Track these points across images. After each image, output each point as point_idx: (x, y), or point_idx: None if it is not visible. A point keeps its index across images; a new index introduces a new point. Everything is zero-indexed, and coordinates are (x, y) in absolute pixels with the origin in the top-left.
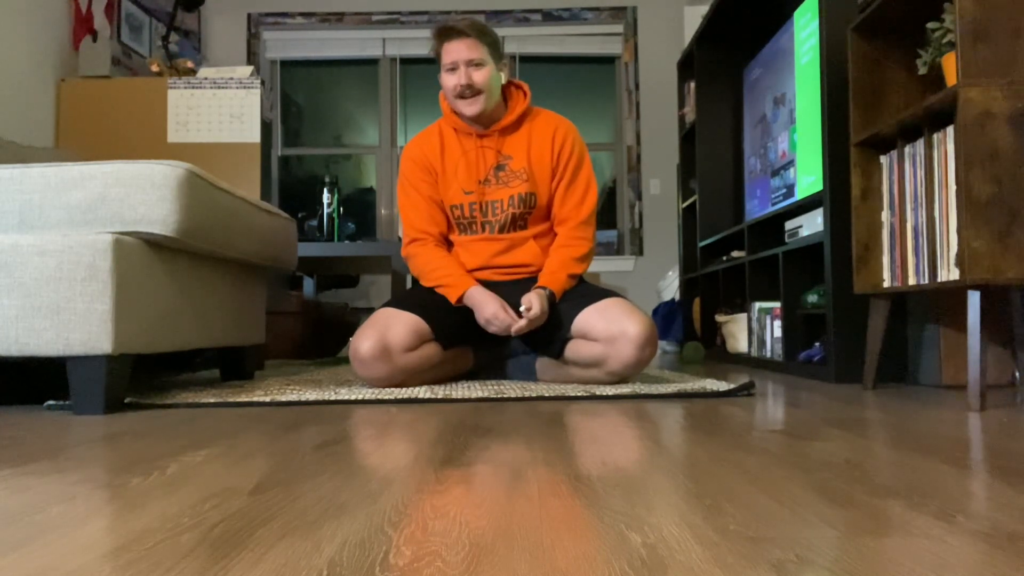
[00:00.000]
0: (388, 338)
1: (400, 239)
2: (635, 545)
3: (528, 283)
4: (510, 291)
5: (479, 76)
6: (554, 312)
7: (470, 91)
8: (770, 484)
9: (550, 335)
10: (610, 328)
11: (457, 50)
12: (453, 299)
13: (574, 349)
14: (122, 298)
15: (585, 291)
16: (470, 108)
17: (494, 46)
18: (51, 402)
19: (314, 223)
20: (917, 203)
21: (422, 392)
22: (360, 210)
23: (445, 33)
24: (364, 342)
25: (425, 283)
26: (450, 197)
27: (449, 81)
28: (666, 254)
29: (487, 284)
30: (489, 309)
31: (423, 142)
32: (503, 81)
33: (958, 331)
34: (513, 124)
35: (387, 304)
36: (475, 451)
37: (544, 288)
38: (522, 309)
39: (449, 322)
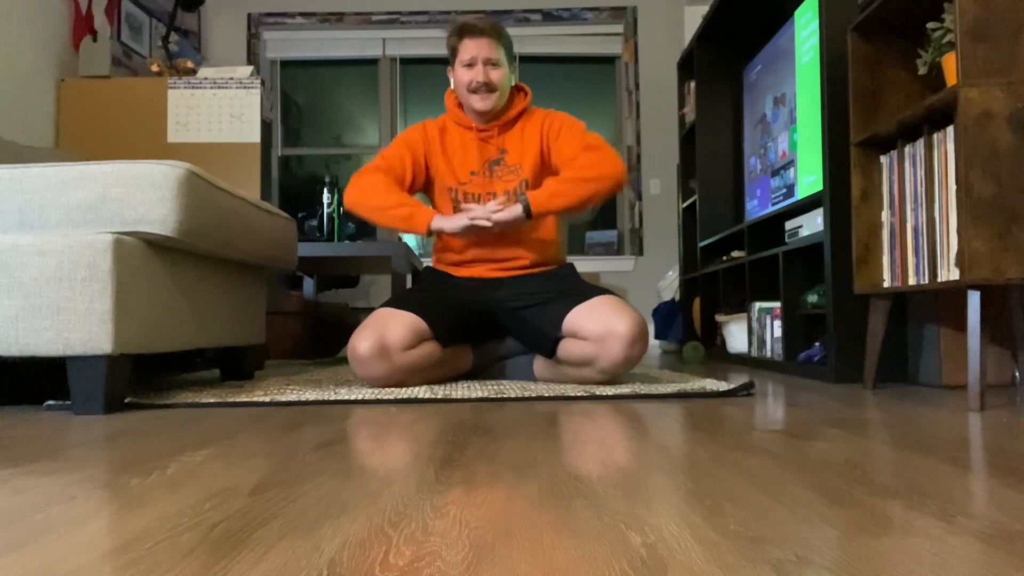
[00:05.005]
0: (387, 337)
1: (400, 238)
2: (635, 545)
3: (522, 279)
4: (505, 287)
5: (496, 75)
6: (544, 312)
7: (486, 88)
8: (770, 484)
9: (542, 334)
10: (599, 327)
11: (477, 48)
12: (424, 228)
13: (566, 349)
14: (122, 298)
15: (576, 289)
16: (483, 103)
17: (509, 48)
18: (51, 402)
19: (314, 223)
20: (917, 203)
21: (422, 392)
22: None
23: (467, 30)
24: (363, 342)
25: (382, 218)
26: (446, 180)
27: (464, 76)
28: (666, 254)
29: (481, 280)
30: (461, 221)
31: (429, 123)
32: (512, 83)
33: (958, 331)
34: (511, 121)
35: (386, 303)
36: (475, 451)
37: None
38: (494, 203)
39: (448, 321)
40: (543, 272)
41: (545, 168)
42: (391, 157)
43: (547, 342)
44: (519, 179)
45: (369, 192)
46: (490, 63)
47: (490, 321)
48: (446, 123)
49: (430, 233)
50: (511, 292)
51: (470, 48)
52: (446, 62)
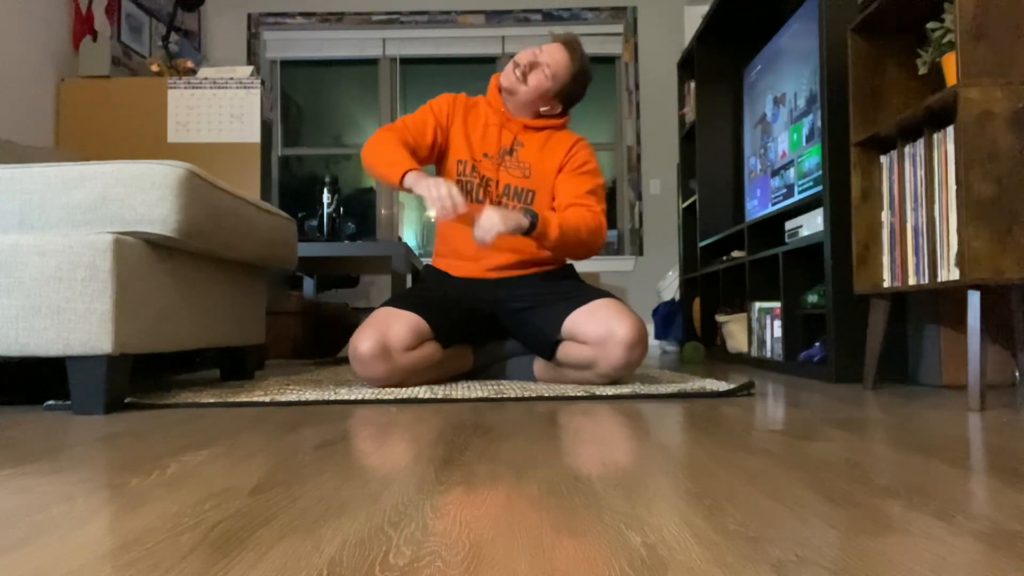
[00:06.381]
0: (388, 337)
1: (400, 238)
2: (635, 545)
3: (522, 280)
4: (505, 288)
5: (535, 78)
6: (544, 314)
7: (517, 69)
8: (770, 484)
9: (541, 336)
10: (599, 330)
11: (547, 49)
12: (396, 180)
13: (565, 351)
14: (122, 298)
15: (576, 291)
16: (506, 80)
17: (573, 82)
18: (51, 402)
19: (314, 223)
20: (917, 203)
21: (422, 392)
22: (360, 210)
23: (555, 38)
24: (364, 341)
25: (376, 168)
26: (460, 152)
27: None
28: (666, 254)
29: (480, 280)
30: (436, 190)
31: (463, 96)
32: (551, 111)
33: (958, 331)
34: (539, 127)
35: (386, 303)
36: (475, 451)
37: (532, 212)
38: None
39: (449, 321)
40: (543, 273)
41: (555, 177)
42: (411, 120)
43: (547, 344)
44: (526, 181)
45: (374, 145)
46: (542, 63)
47: (490, 322)
48: (479, 102)
49: (405, 188)
50: (511, 293)
51: (542, 48)
52: (446, 62)
